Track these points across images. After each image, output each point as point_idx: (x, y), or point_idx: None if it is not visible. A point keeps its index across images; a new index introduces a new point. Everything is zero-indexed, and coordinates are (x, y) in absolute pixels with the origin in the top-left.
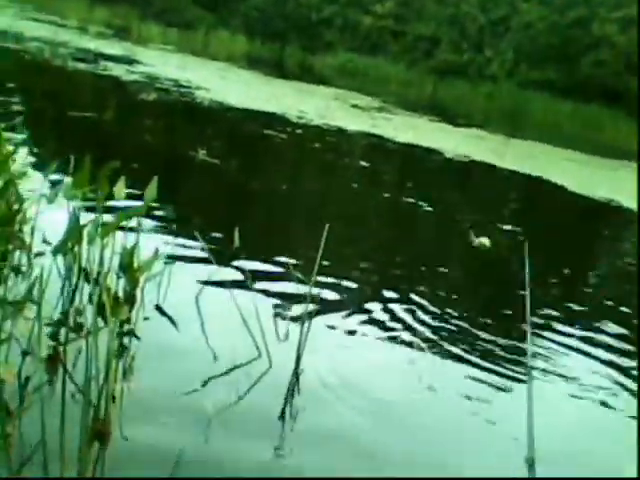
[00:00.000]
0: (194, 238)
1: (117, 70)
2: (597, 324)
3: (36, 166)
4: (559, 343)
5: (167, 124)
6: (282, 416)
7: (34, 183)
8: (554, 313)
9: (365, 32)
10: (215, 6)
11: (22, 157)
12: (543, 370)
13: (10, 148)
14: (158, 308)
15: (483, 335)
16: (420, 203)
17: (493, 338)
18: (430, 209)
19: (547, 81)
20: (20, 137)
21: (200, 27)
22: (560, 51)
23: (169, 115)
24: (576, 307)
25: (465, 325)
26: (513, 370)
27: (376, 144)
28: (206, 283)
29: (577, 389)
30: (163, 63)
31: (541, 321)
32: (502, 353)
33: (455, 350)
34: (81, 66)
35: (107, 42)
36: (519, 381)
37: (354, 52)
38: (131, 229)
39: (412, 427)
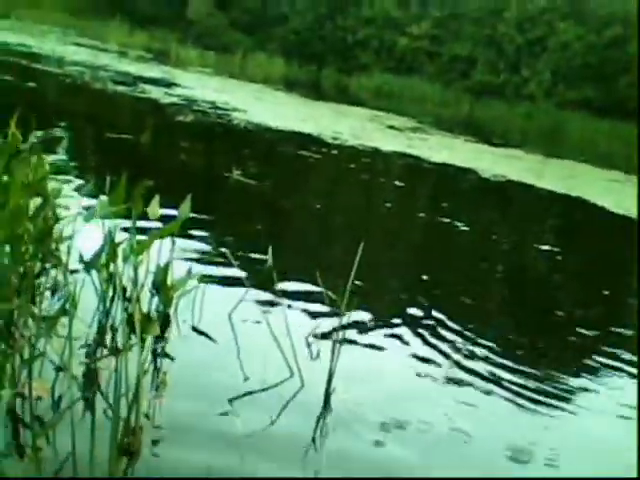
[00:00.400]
0: (227, 256)
1: (155, 93)
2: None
3: (73, 185)
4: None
5: (203, 145)
6: (314, 437)
7: (71, 202)
8: (595, 335)
9: (401, 53)
10: (253, 30)
11: (60, 176)
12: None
13: (48, 167)
14: (190, 326)
15: (522, 359)
16: (456, 222)
17: (532, 363)
18: (466, 228)
19: (585, 100)
20: (59, 157)
21: (238, 50)
22: (597, 71)
23: (205, 136)
24: (617, 328)
25: (503, 349)
26: (554, 399)
27: (412, 164)
28: (239, 301)
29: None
30: (201, 86)
31: (580, 342)
32: (541, 378)
33: (491, 374)
34: (120, 89)
35: (146, 65)
36: (562, 410)
37: (390, 73)
38: (165, 246)
39: (450, 456)
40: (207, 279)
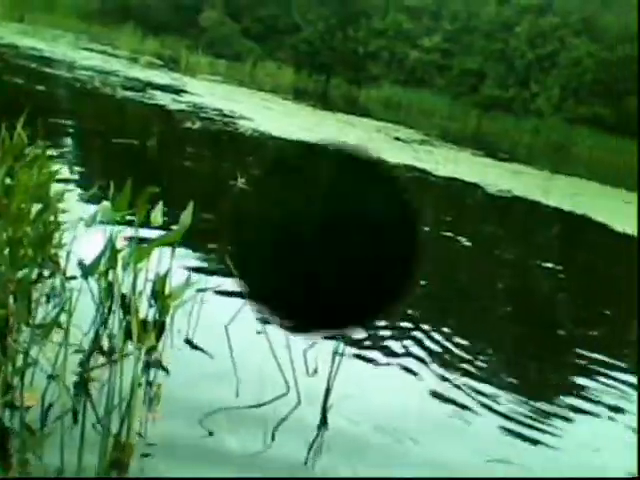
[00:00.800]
0: (227, 266)
1: (164, 99)
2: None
3: (76, 190)
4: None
5: (209, 152)
6: (308, 454)
7: (73, 206)
8: (594, 354)
9: (411, 66)
10: (264, 38)
11: (64, 181)
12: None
13: (51, 170)
14: (187, 337)
15: (520, 376)
16: (459, 237)
17: (530, 379)
18: (468, 243)
19: (594, 117)
20: (64, 161)
21: (248, 59)
22: (608, 87)
23: (212, 144)
24: (618, 348)
25: (501, 363)
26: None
27: (417, 177)
28: (236, 313)
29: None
30: (210, 93)
31: (581, 362)
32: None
33: (491, 390)
34: (129, 95)
35: (156, 72)
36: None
37: (399, 85)
38: (165, 253)
39: (448, 470)
40: (206, 289)
